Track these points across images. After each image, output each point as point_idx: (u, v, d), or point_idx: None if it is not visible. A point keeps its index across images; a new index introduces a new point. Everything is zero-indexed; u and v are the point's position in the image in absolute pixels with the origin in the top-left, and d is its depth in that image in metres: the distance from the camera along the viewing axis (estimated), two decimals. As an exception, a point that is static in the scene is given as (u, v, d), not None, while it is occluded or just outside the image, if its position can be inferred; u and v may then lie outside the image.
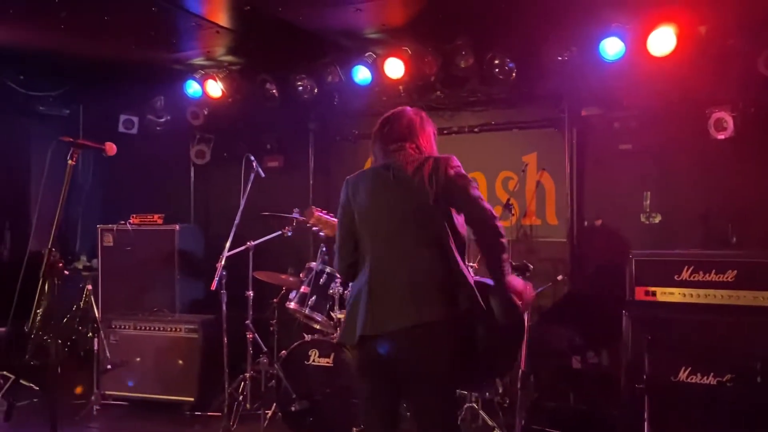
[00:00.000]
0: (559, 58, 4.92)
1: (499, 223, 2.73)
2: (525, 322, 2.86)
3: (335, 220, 3.76)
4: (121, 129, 6.49)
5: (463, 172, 2.77)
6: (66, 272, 5.26)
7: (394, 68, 5.34)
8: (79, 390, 5.45)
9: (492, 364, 2.81)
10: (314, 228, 3.77)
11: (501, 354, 2.81)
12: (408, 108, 3.04)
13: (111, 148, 2.86)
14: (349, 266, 2.87)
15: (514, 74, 5.12)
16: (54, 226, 2.74)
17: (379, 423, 2.79)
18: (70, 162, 2.73)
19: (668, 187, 5.08)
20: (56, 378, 3.03)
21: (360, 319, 2.69)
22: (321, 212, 3.81)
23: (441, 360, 2.65)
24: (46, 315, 5.72)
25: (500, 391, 3.21)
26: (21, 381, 5.39)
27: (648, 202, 5.15)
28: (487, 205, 2.74)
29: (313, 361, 4.42)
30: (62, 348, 5.84)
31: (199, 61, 5.96)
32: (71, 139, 2.74)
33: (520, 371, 3.92)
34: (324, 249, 4.77)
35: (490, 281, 2.77)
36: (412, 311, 2.62)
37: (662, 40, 4.54)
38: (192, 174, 6.81)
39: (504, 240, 2.72)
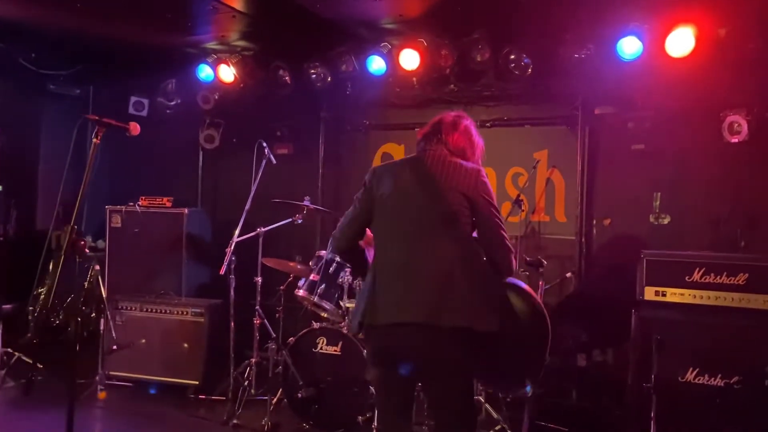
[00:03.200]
0: (576, 56, 4.91)
1: (514, 262, 2.72)
2: (548, 328, 2.86)
3: None
4: (131, 111, 6.47)
5: (490, 190, 2.75)
6: (87, 250, 5.31)
7: (410, 59, 5.33)
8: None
9: (516, 365, 2.83)
10: None
11: (524, 356, 2.82)
12: (447, 112, 3.04)
13: (135, 127, 2.85)
14: (349, 240, 2.90)
15: (529, 70, 5.11)
16: (76, 206, 2.73)
17: (394, 412, 2.81)
18: (95, 140, 2.71)
19: (679, 188, 5.08)
20: (74, 357, 3.02)
21: (361, 309, 2.75)
22: None
23: (457, 356, 2.68)
24: (51, 294, 5.73)
25: (530, 393, 3.29)
26: (23, 358, 5.40)
27: (658, 203, 5.16)
28: (507, 241, 2.71)
29: (321, 348, 4.43)
30: (66, 327, 5.85)
31: (212, 45, 5.94)
32: (97, 117, 2.73)
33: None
34: (335, 238, 4.77)
35: (517, 282, 2.81)
36: (426, 310, 2.63)
37: (681, 41, 4.53)
38: (200, 158, 6.80)
39: None
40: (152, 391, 5.24)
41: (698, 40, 4.51)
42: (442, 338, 2.60)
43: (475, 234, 2.79)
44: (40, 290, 5.88)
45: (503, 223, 2.76)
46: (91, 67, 6.53)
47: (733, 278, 3.89)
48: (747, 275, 3.86)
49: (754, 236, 4.75)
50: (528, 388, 3.00)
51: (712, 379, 3.81)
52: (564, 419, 4.65)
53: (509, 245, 2.72)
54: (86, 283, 5.74)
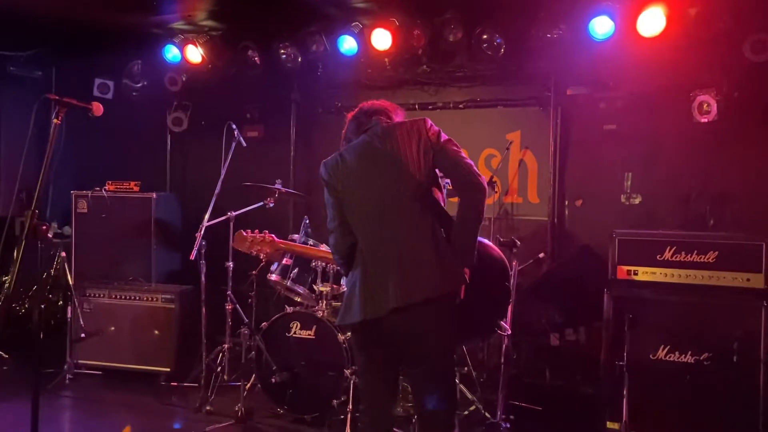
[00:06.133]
0: (548, 36, 4.89)
1: (485, 197, 2.73)
2: (508, 272, 3.07)
3: (271, 236, 3.79)
4: (95, 93, 6.27)
5: (440, 133, 2.77)
6: (50, 235, 5.16)
7: (381, 39, 5.24)
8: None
9: (489, 310, 2.95)
10: (251, 253, 3.76)
11: (493, 300, 2.95)
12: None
13: (98, 108, 2.74)
14: (352, 245, 2.84)
15: (502, 50, 5.07)
16: (37, 190, 2.63)
17: (382, 394, 2.80)
18: (55, 121, 2.61)
19: (650, 168, 5.13)
20: (38, 345, 2.94)
21: (358, 303, 2.72)
22: (250, 233, 3.78)
23: (437, 334, 2.69)
24: (13, 281, 5.57)
25: (508, 331, 3.65)
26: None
27: (629, 182, 5.21)
28: (475, 170, 2.72)
29: (295, 333, 4.39)
30: (32, 316, 5.70)
31: (179, 25, 5.79)
32: (57, 97, 2.62)
33: (504, 347, 3.95)
34: (307, 221, 4.72)
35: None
36: (404, 292, 2.63)
37: (652, 21, 4.54)
38: (168, 142, 6.66)
39: (482, 219, 2.74)
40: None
41: (669, 19, 4.52)
42: (435, 309, 2.65)
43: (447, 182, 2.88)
44: (3, 278, 5.72)
45: (460, 149, 2.77)
46: (53, 48, 6.31)
47: (703, 256, 3.93)
48: (716, 253, 3.91)
49: (723, 214, 4.83)
50: (505, 328, 3.24)
51: (683, 356, 3.86)
52: (538, 398, 4.69)
53: (470, 162, 2.72)
54: (52, 271, 5.60)
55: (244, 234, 3.86)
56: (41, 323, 2.73)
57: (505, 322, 3.45)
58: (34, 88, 6.48)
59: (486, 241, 2.98)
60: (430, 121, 2.81)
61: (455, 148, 2.75)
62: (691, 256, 3.96)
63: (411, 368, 2.80)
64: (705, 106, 4.77)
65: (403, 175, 2.71)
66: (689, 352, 3.85)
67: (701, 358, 3.82)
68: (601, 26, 4.69)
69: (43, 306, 5.71)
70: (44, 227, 2.40)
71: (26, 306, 5.75)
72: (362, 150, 2.82)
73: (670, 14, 4.51)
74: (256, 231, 3.89)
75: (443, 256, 2.67)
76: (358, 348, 2.86)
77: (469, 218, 2.73)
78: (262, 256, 3.85)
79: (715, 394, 3.76)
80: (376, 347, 2.77)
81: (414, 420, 3.78)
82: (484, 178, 2.74)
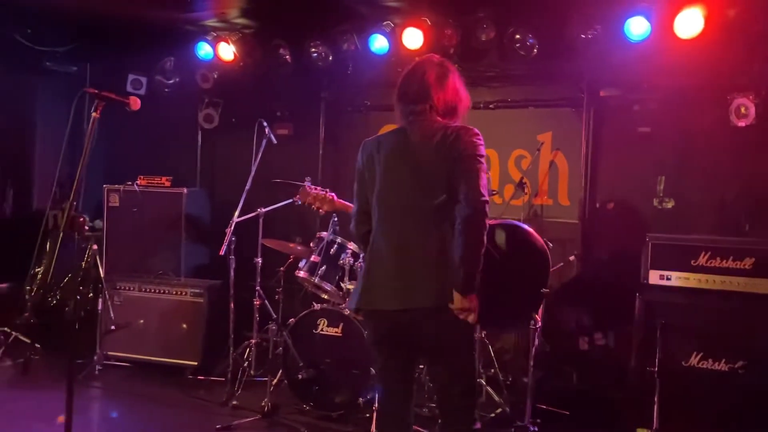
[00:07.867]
0: (582, 37, 4.82)
1: (487, 221, 2.53)
2: (548, 261, 2.91)
3: (331, 194, 3.77)
4: (128, 89, 6.36)
5: (479, 147, 2.60)
6: (86, 227, 5.24)
7: (413, 39, 5.22)
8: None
9: (515, 308, 2.85)
10: (312, 206, 3.77)
11: (526, 291, 2.82)
12: (427, 59, 2.83)
13: (135, 102, 2.78)
14: (366, 233, 2.81)
15: (535, 50, 5.01)
16: (75, 181, 2.67)
17: (395, 393, 2.78)
18: (94, 114, 2.64)
19: (684, 172, 5.02)
20: (73, 336, 2.98)
21: (358, 292, 2.73)
22: (315, 189, 3.80)
23: (446, 337, 2.62)
24: (49, 273, 5.68)
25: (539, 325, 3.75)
26: (20, 338, 5.37)
27: (662, 186, 5.11)
28: (484, 191, 2.54)
29: (322, 330, 4.40)
30: (63, 307, 5.81)
31: (211, 22, 5.84)
32: (96, 91, 2.66)
33: (533, 349, 3.91)
34: (336, 219, 4.72)
35: (509, 222, 2.79)
36: (402, 296, 2.59)
37: (690, 22, 4.45)
38: (199, 138, 6.72)
39: (482, 244, 2.51)
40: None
41: (707, 20, 4.42)
42: (446, 319, 2.56)
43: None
44: (37, 270, 5.82)
45: (485, 169, 2.59)
46: (88, 44, 6.40)
47: (739, 262, 3.85)
48: (753, 259, 3.82)
49: (759, 220, 4.71)
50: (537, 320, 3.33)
51: (717, 363, 3.78)
52: (565, 403, 4.63)
53: (484, 209, 2.51)
54: (84, 263, 5.69)
55: (308, 188, 3.86)
56: (76, 315, 2.75)
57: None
58: (69, 82, 6.59)
59: (528, 228, 2.84)
60: (474, 132, 2.61)
61: (476, 165, 2.56)
62: (726, 262, 3.89)
63: (430, 365, 2.80)
64: (742, 109, 4.66)
65: (424, 179, 2.62)
66: (723, 360, 3.78)
67: (735, 366, 3.75)
68: (637, 27, 4.61)
69: (78, 297, 5.84)
70: (81, 219, 2.43)
71: (58, 297, 5.85)
72: (397, 141, 2.71)
73: (708, 15, 4.42)
74: (319, 188, 3.89)
75: (453, 264, 2.53)
76: (370, 345, 2.83)
77: (467, 243, 2.50)
78: (321, 212, 3.86)
79: (749, 403, 3.67)
80: (384, 345, 2.74)
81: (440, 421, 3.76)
82: (488, 203, 2.53)
